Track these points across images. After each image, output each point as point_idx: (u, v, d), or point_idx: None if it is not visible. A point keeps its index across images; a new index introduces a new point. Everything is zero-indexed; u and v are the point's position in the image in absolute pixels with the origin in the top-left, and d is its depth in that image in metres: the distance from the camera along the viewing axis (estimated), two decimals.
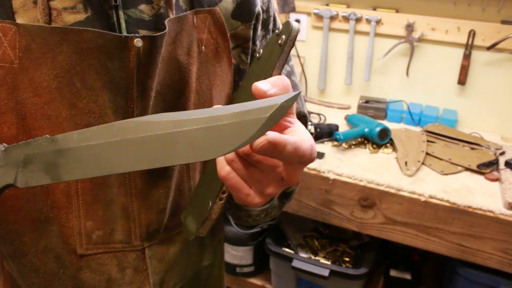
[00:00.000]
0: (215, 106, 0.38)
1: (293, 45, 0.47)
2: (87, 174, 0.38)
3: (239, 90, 0.62)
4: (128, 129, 0.37)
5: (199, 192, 0.58)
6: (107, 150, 0.37)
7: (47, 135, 0.40)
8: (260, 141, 0.38)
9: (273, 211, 0.68)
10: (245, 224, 0.72)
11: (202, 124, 0.35)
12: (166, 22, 0.53)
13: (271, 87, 0.42)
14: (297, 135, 0.43)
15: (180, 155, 0.35)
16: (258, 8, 0.64)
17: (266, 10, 0.66)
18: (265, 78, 0.45)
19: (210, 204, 0.51)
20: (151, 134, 0.36)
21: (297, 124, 0.46)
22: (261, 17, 0.65)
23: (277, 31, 0.49)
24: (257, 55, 0.53)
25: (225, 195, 0.51)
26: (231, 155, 0.43)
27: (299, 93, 0.37)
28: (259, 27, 0.65)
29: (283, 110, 0.35)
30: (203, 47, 0.59)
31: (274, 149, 0.39)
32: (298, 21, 1.75)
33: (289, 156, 0.41)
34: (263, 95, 0.42)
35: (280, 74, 0.49)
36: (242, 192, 0.46)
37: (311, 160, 0.44)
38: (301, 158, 0.43)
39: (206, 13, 0.59)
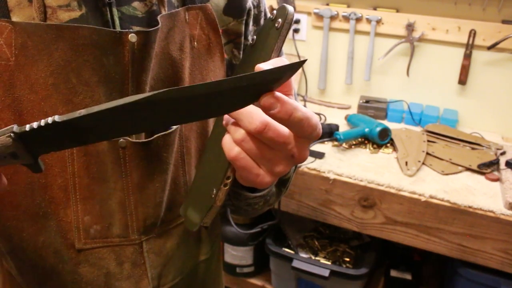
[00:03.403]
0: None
1: (289, 28, 0.47)
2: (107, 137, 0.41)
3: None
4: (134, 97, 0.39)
5: (199, 183, 0.57)
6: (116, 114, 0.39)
7: (56, 116, 0.40)
8: (267, 96, 0.39)
9: (271, 199, 0.68)
10: (244, 214, 0.71)
11: (210, 88, 0.38)
12: (158, 18, 0.54)
13: (271, 67, 0.42)
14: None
15: (195, 113, 0.40)
16: (249, 3, 0.65)
17: (257, 5, 0.67)
18: (264, 61, 0.45)
19: (215, 191, 0.50)
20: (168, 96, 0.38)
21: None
22: (252, 13, 0.66)
23: (271, 17, 0.49)
24: (251, 41, 0.53)
25: (230, 180, 0.49)
26: (242, 135, 0.44)
27: (305, 60, 0.40)
28: (251, 23, 0.66)
29: (290, 72, 0.39)
30: (195, 43, 0.60)
31: (283, 108, 0.40)
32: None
33: (299, 123, 0.42)
34: None
35: (278, 57, 0.49)
36: (253, 172, 0.45)
37: (318, 135, 0.45)
38: (312, 130, 0.43)
39: (197, 9, 0.60)
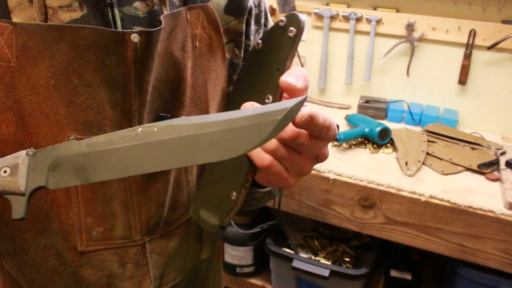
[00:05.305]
0: (230, 111, 0.41)
1: (301, 36, 0.49)
2: (114, 175, 0.41)
3: (238, 83, 0.63)
4: (152, 132, 0.40)
5: (211, 186, 0.59)
6: (133, 152, 0.40)
7: (74, 139, 0.42)
8: (302, 114, 0.43)
9: (275, 192, 0.71)
10: (248, 208, 0.73)
11: (221, 126, 0.39)
12: (161, 18, 0.54)
13: (297, 80, 0.47)
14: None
15: (202, 155, 0.39)
16: (250, 3, 0.65)
17: (258, 5, 0.68)
18: (278, 70, 0.49)
19: (235, 194, 0.53)
20: (174, 136, 0.39)
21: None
22: (253, 12, 0.66)
23: (281, 23, 0.49)
24: (257, 46, 0.54)
25: (249, 183, 0.52)
26: (274, 145, 0.47)
27: (306, 97, 0.41)
28: (252, 22, 0.67)
29: (292, 113, 0.39)
30: (197, 43, 0.60)
31: (311, 121, 0.44)
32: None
33: (321, 127, 0.46)
34: (294, 89, 0.47)
35: (291, 65, 0.52)
36: (283, 177, 0.49)
37: (335, 134, 0.49)
38: (329, 130, 0.47)
39: (199, 9, 0.60)
